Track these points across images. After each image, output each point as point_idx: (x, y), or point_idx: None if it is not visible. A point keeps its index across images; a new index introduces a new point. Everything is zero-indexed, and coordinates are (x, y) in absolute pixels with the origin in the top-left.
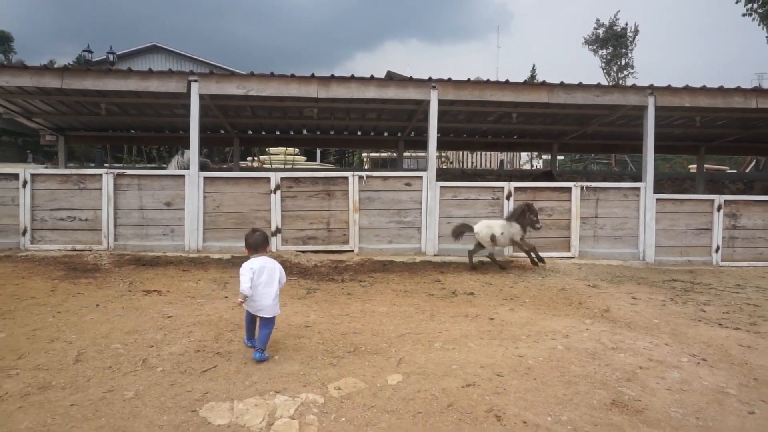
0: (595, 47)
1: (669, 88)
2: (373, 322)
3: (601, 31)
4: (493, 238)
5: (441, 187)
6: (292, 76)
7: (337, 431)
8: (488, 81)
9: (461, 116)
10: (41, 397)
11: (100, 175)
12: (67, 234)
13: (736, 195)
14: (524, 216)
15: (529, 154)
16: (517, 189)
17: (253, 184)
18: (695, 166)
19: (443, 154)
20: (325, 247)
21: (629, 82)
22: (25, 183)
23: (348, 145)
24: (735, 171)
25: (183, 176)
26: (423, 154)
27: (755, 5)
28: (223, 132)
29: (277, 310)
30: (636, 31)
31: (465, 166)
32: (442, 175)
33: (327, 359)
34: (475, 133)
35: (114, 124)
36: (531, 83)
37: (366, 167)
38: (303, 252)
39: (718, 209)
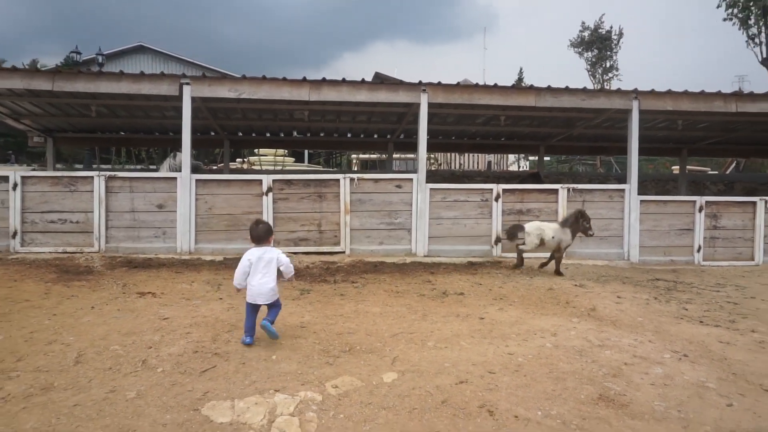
0: (580, 50)
1: (653, 93)
2: (367, 322)
3: (586, 33)
4: (542, 241)
5: (431, 189)
6: (284, 79)
7: (337, 427)
8: (477, 85)
9: (450, 119)
10: (44, 398)
11: (92, 177)
12: (58, 236)
13: (717, 196)
14: (578, 223)
15: (517, 155)
16: (505, 191)
17: (245, 187)
18: (678, 167)
19: (432, 155)
20: (316, 248)
21: (614, 84)
22: (15, 185)
23: (338, 147)
24: (716, 172)
25: (175, 178)
26: (412, 156)
27: (735, 10)
28: (213, 134)
29: (273, 298)
30: (621, 34)
31: (453, 167)
32: (432, 176)
33: (323, 358)
34: (463, 135)
35: (103, 126)
36: (519, 87)
37: (355, 168)
38: (295, 254)
39: (700, 210)
